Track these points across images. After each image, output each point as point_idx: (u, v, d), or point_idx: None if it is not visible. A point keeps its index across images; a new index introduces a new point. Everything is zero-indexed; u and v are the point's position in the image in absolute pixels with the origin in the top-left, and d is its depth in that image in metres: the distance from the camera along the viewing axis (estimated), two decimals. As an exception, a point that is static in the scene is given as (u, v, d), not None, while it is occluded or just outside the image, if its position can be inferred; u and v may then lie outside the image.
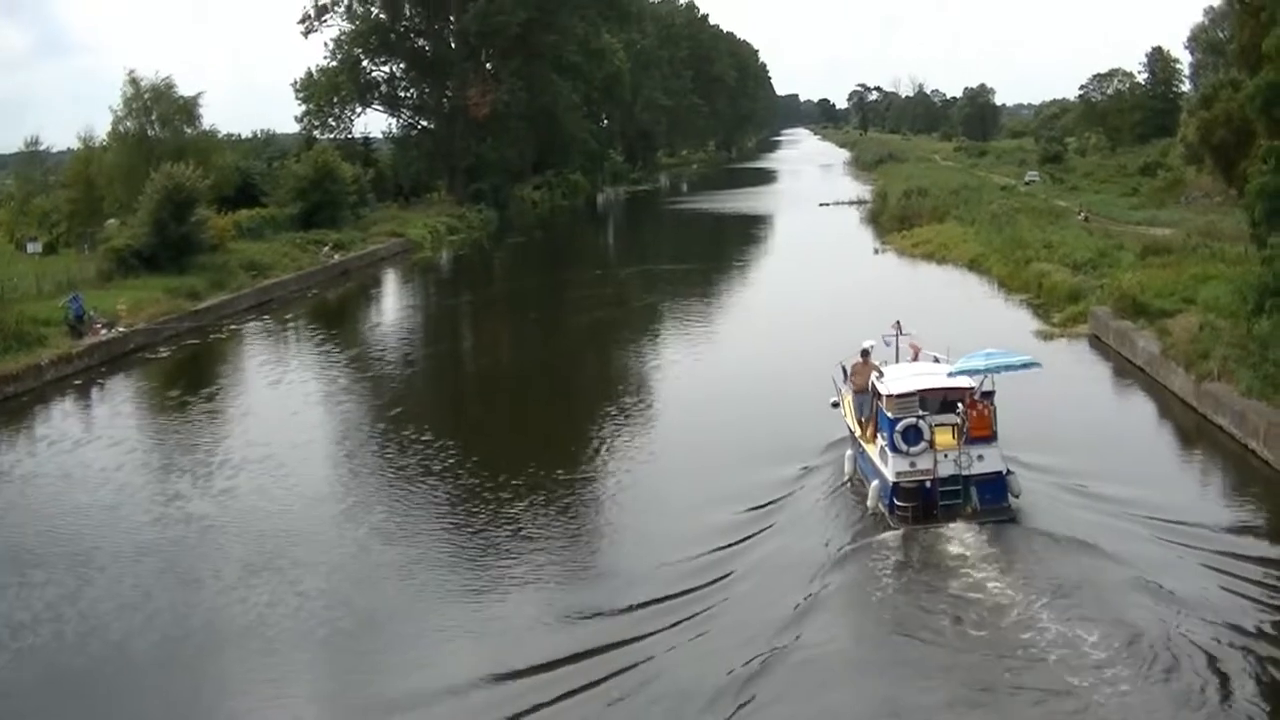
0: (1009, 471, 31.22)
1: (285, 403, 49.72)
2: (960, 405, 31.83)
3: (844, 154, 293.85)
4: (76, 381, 53.58)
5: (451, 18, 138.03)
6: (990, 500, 30.65)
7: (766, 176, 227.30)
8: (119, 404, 51.17)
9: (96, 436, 44.56)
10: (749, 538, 30.66)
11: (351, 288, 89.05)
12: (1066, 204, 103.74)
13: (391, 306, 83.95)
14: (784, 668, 23.35)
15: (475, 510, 34.11)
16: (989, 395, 31.93)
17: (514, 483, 36.16)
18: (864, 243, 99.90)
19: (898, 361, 36.05)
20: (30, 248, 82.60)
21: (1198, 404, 40.58)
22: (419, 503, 35.42)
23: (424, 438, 42.40)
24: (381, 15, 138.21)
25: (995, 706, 21.84)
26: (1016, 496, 31.09)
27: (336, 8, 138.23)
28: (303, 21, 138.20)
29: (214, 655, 25.97)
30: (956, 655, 23.57)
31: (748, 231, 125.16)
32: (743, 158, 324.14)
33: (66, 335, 56.79)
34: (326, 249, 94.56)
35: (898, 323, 37.10)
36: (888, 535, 30.10)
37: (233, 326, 68.42)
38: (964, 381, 32.14)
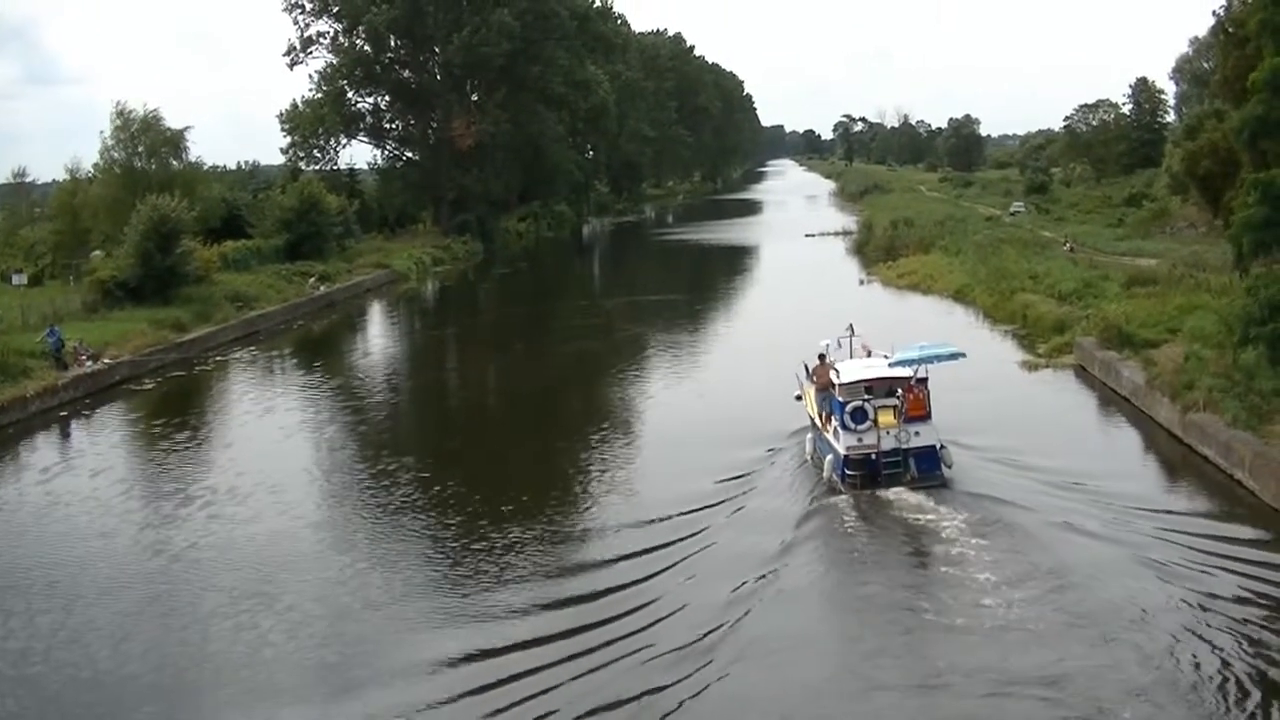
0: (942, 445, 36.79)
1: (271, 434, 49.64)
2: (900, 391, 37.46)
3: (829, 185, 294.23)
4: (62, 413, 53.51)
5: (436, 49, 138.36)
6: (926, 469, 36.27)
7: (752, 207, 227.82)
8: (104, 436, 50.95)
9: (81, 468, 44.50)
10: (729, 499, 36.26)
11: (337, 319, 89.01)
12: (1052, 234, 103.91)
13: (377, 338, 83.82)
14: (769, 591, 29.01)
15: (470, 516, 34.81)
16: (923, 381, 37.74)
17: (509, 487, 38.48)
18: (849, 274, 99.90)
19: (851, 358, 40.74)
20: (15, 279, 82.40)
21: (1183, 434, 40.57)
22: (411, 522, 35.80)
23: (410, 463, 42.87)
24: (366, 47, 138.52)
25: (920, 599, 28.00)
26: (949, 467, 36.68)
27: (322, 40, 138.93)
28: (288, 53, 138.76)
29: (206, 681, 25.90)
30: (894, 574, 29.94)
31: (733, 263, 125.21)
32: (728, 189, 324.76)
33: (51, 367, 56.64)
34: (312, 280, 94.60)
35: (850, 326, 41.95)
36: (840, 498, 35.90)
37: (218, 358, 68.33)
38: (903, 371, 37.70)
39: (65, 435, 51.05)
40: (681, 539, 32.82)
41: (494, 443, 49.05)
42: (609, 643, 26.37)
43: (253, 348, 72.59)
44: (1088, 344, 53.43)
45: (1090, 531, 31.90)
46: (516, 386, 61.97)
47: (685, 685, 24.31)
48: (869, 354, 40.59)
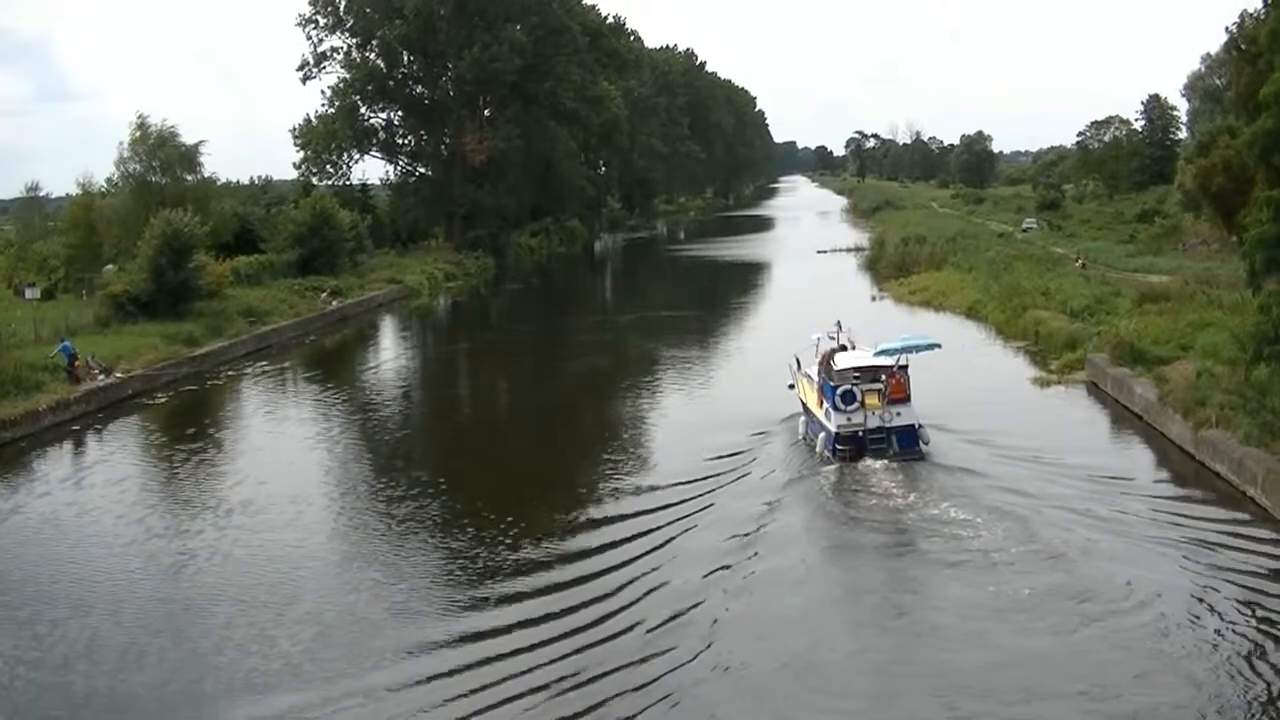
0: (920, 425, 41.99)
1: (283, 447, 49.80)
2: (884, 377, 42.45)
3: (841, 201, 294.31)
4: (74, 427, 53.60)
5: (448, 65, 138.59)
6: (906, 445, 41.50)
7: (764, 224, 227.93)
8: (116, 449, 51.02)
9: (93, 481, 44.61)
10: (734, 469, 41.78)
11: (349, 334, 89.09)
12: (1064, 251, 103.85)
13: (389, 353, 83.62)
14: (768, 535, 34.50)
15: (480, 522, 34.60)
16: (904, 369, 42.95)
17: (518, 489, 41.18)
18: (861, 290, 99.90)
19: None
20: (28, 293, 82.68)
21: (1195, 451, 40.52)
22: (425, 532, 36.18)
23: (421, 475, 43.16)
24: (379, 63, 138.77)
25: (899, 542, 33.84)
26: (926, 444, 41.96)
27: (335, 55, 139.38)
28: (301, 69, 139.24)
29: (218, 690, 25.94)
30: (872, 526, 35.29)
31: (745, 279, 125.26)
32: (740, 205, 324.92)
33: (65, 381, 56.73)
34: (324, 295, 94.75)
35: (838, 322, 47.13)
36: (830, 468, 41.07)
37: (230, 373, 68.38)
38: (886, 360, 42.87)
39: (78, 448, 51.08)
40: (694, 498, 38.33)
41: (504, 452, 49.79)
42: (631, 580, 31.29)
43: (265, 362, 72.62)
44: (1100, 360, 53.37)
45: (1035, 494, 37.10)
46: (528, 400, 62.07)
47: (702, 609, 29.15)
48: (852, 347, 45.98)
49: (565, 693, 24.93)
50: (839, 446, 41.30)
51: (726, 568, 31.80)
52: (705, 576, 31.17)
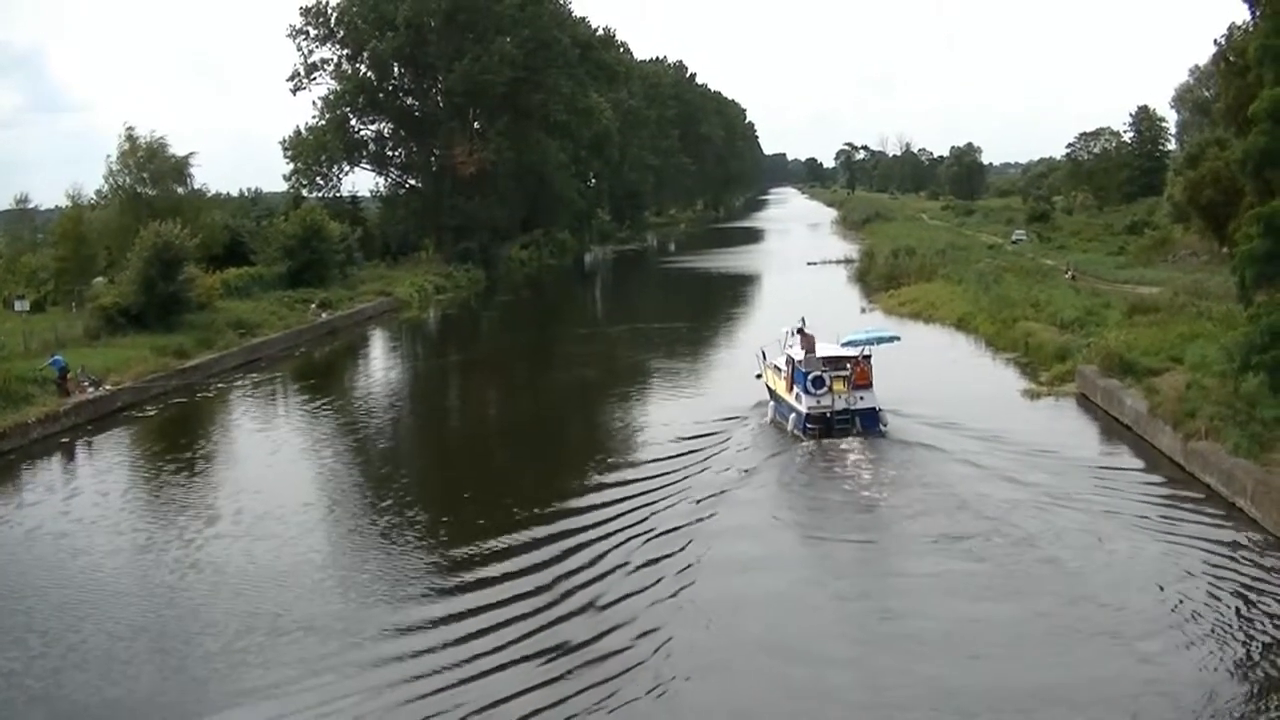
0: (880, 409, 47.31)
1: (272, 460, 49.73)
2: (849, 365, 47.91)
3: (831, 213, 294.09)
4: (63, 440, 53.52)
5: (439, 77, 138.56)
6: (868, 425, 46.84)
7: (754, 235, 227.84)
8: (105, 461, 50.91)
9: (82, 493, 44.53)
10: (712, 446, 47.12)
11: (339, 346, 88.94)
12: (1053, 262, 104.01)
13: (379, 365, 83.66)
14: (736, 501, 39.67)
15: (469, 533, 34.58)
16: (868, 359, 48.44)
17: (508, 493, 40.80)
18: (851, 301, 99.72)
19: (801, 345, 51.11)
20: (18, 305, 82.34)
21: (1185, 462, 40.54)
22: (413, 541, 35.91)
23: (409, 485, 43.66)
24: (369, 74, 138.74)
25: (861, 508, 38.74)
26: (885, 426, 46.98)
27: (325, 66, 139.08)
28: (292, 79, 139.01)
29: (205, 702, 25.91)
30: (837, 487, 41.24)
31: (735, 290, 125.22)
32: (730, 217, 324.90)
33: (54, 394, 56.61)
34: (314, 307, 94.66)
35: (802, 318, 51.87)
36: (801, 445, 46.41)
37: (220, 385, 68.33)
38: (851, 351, 48.87)
39: (67, 461, 51.06)
40: (686, 467, 43.88)
41: (492, 461, 50.15)
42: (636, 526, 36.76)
43: (254, 374, 72.53)
44: (1089, 372, 53.41)
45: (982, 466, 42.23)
46: (517, 411, 62.29)
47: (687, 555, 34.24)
48: (814, 341, 50.33)
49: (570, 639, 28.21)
50: (809, 425, 46.76)
51: (712, 515, 37.74)
52: (698, 521, 37.13)
